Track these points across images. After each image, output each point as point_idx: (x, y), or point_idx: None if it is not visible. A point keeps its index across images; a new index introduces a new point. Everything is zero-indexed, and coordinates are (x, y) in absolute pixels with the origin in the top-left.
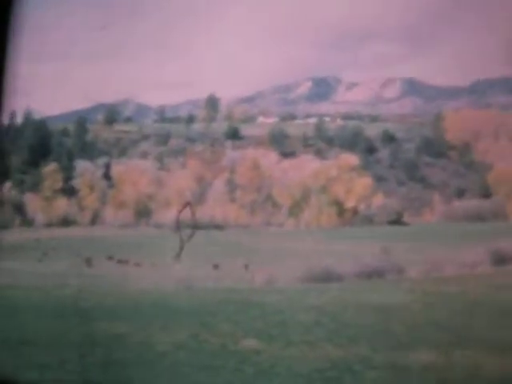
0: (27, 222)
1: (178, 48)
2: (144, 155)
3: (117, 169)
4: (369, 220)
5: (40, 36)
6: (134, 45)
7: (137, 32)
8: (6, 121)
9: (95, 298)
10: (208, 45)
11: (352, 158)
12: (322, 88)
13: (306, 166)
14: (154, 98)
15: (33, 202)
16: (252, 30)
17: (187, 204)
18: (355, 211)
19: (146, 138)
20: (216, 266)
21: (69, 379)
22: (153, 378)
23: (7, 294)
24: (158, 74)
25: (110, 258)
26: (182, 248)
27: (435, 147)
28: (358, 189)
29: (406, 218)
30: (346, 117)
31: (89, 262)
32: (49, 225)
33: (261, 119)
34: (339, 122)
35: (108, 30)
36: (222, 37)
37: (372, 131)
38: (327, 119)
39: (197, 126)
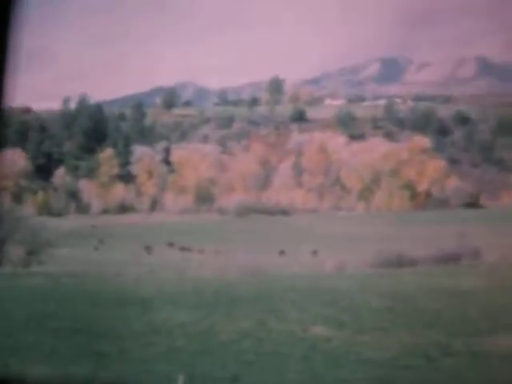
0: (82, 209)
1: (239, 30)
2: (205, 139)
3: (177, 153)
4: (442, 203)
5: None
6: (193, 27)
7: (196, 14)
8: (59, 106)
9: (156, 286)
10: (271, 25)
11: (424, 140)
12: (391, 69)
13: (376, 149)
14: (215, 81)
15: (88, 189)
16: (317, 9)
17: None
18: (428, 194)
19: (206, 121)
20: (282, 253)
21: (126, 369)
22: (217, 367)
23: (62, 281)
24: (219, 57)
25: (171, 244)
26: None
27: None
28: (430, 171)
29: (481, 201)
30: (417, 98)
31: (148, 249)
32: (105, 211)
33: (328, 101)
34: (410, 103)
35: (167, 12)
36: (286, 17)
37: (444, 112)
38: (397, 100)
39: (260, 109)
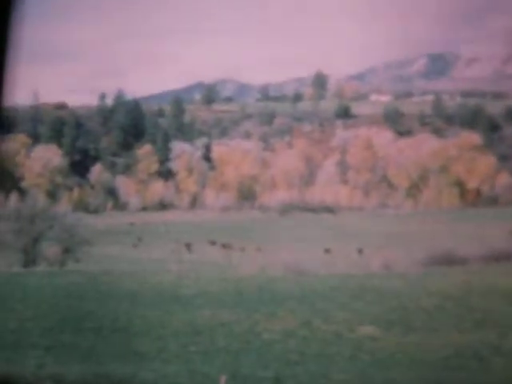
0: (120, 206)
1: (281, 24)
2: (247, 135)
3: (217, 150)
4: (493, 200)
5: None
6: (233, 21)
7: (237, 8)
8: (95, 102)
9: (197, 284)
10: (315, 20)
11: (474, 137)
12: (439, 64)
13: (424, 145)
14: (256, 76)
15: (126, 186)
16: (363, 2)
17: None
18: (478, 192)
19: (248, 117)
20: (328, 251)
21: (167, 369)
22: (260, 367)
23: (101, 280)
24: (260, 52)
25: (213, 242)
26: None
27: None
28: (480, 168)
29: None
30: (466, 94)
31: (189, 247)
32: (144, 209)
33: (373, 97)
34: (458, 99)
35: (207, 6)
36: (330, 11)
37: (494, 108)
38: (445, 96)
39: (304, 105)
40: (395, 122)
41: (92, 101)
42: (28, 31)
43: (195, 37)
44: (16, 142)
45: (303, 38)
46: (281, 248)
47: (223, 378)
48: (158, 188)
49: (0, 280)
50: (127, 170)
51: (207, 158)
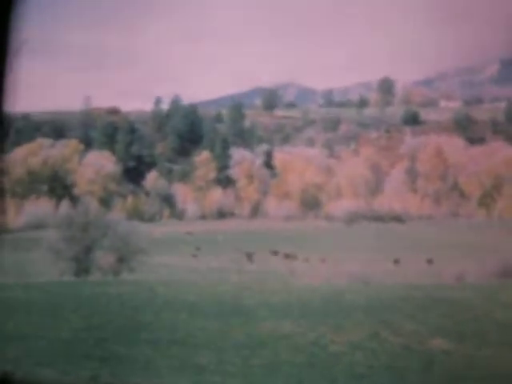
0: (177, 214)
1: (345, 27)
2: (310, 142)
3: (279, 157)
4: None
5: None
6: (295, 24)
7: (299, 11)
8: (149, 107)
9: (259, 295)
10: (380, 24)
11: None
12: None
13: (497, 153)
14: (319, 81)
15: (183, 193)
16: (430, 7)
17: None
18: None
19: (311, 123)
20: (396, 261)
21: (227, 382)
22: (326, 381)
23: (157, 290)
24: (324, 56)
25: (275, 252)
26: None
27: None
28: None
29: None
30: None
31: (250, 256)
32: (202, 217)
33: (443, 103)
34: None
35: (267, 9)
36: (397, 15)
37: None
38: None
39: (369, 111)
40: (466, 128)
41: (146, 106)
42: (80, 36)
43: (253, 41)
44: (68, 147)
45: (368, 43)
46: (347, 258)
47: None
48: (217, 196)
49: (52, 289)
50: (184, 177)
51: (269, 165)
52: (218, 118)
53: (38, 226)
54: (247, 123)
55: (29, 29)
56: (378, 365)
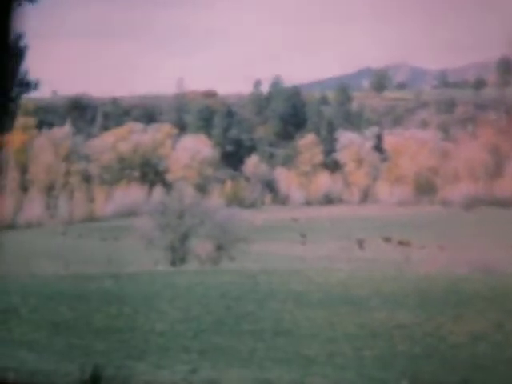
0: (280, 200)
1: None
2: (424, 124)
3: (390, 140)
4: None
5: None
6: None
7: None
8: (247, 89)
9: (371, 284)
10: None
11: None
12: None
13: None
14: (431, 61)
15: (286, 178)
16: None
17: None
18: None
19: (424, 105)
20: None
21: (339, 374)
22: (445, 372)
23: (260, 279)
24: (435, 35)
25: (387, 239)
26: None
27: None
28: None
29: None
30: None
31: (361, 243)
32: (307, 203)
33: None
34: None
35: None
36: None
37: None
38: None
39: (487, 92)
40: None
41: (244, 88)
42: (171, 16)
43: (360, 19)
44: (160, 132)
45: (482, 21)
46: (466, 245)
47: None
48: (324, 181)
49: (145, 279)
50: (287, 161)
51: (378, 148)
52: (323, 101)
53: (128, 213)
54: (355, 105)
55: (118, 11)
56: (503, 357)
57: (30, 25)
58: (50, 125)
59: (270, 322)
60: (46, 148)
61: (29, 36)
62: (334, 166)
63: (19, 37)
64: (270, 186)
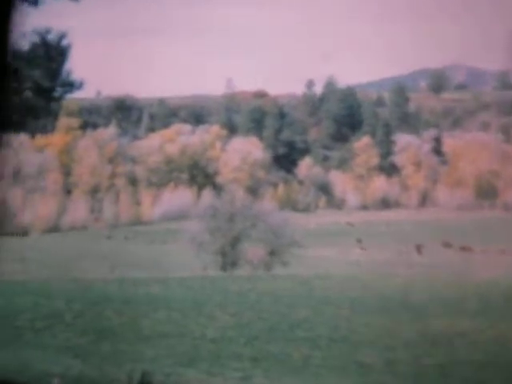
0: (335, 204)
1: None
2: (484, 127)
3: (450, 143)
4: None
5: None
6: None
7: None
8: (299, 90)
9: (430, 290)
10: None
11: None
12: None
13: None
14: (491, 62)
15: (342, 181)
16: None
17: None
18: None
19: (485, 107)
20: None
21: (395, 382)
22: (508, 380)
23: (315, 285)
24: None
25: (447, 244)
26: None
27: None
28: None
29: None
30: None
31: (419, 249)
32: (363, 207)
33: None
34: None
35: None
36: None
37: None
38: None
39: None
40: None
41: (295, 89)
42: (221, 14)
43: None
44: (209, 133)
45: None
46: None
47: None
48: (380, 184)
49: (195, 284)
50: (342, 164)
51: (437, 151)
52: (379, 102)
53: (176, 217)
54: (412, 107)
55: (165, 10)
56: None
57: (73, 24)
58: (94, 126)
59: (325, 328)
60: (91, 149)
61: (72, 35)
62: (390, 169)
63: (62, 36)
64: (324, 190)
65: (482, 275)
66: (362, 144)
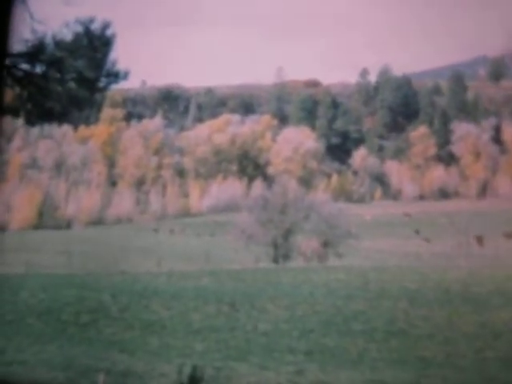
0: (391, 195)
1: None
2: None
3: (510, 131)
4: None
5: None
6: None
7: None
8: (353, 78)
9: (492, 282)
10: None
11: None
12: None
13: None
14: None
15: (398, 172)
16: None
17: None
18: None
19: None
20: None
21: (458, 376)
22: None
23: (371, 277)
24: None
25: (509, 235)
26: None
27: None
28: None
29: None
30: None
31: (480, 240)
32: (421, 197)
33: None
34: None
35: None
36: None
37: None
38: None
39: None
40: None
41: (348, 78)
42: (273, 5)
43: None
44: (259, 123)
45: None
46: None
47: None
48: (438, 174)
49: (246, 277)
50: (398, 154)
51: (497, 140)
52: (436, 90)
53: (225, 208)
54: (470, 95)
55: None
56: None
57: (119, 13)
58: (139, 117)
59: (382, 321)
60: (136, 141)
61: (118, 24)
62: (448, 159)
63: (106, 26)
64: (380, 180)
65: None
66: (419, 133)
